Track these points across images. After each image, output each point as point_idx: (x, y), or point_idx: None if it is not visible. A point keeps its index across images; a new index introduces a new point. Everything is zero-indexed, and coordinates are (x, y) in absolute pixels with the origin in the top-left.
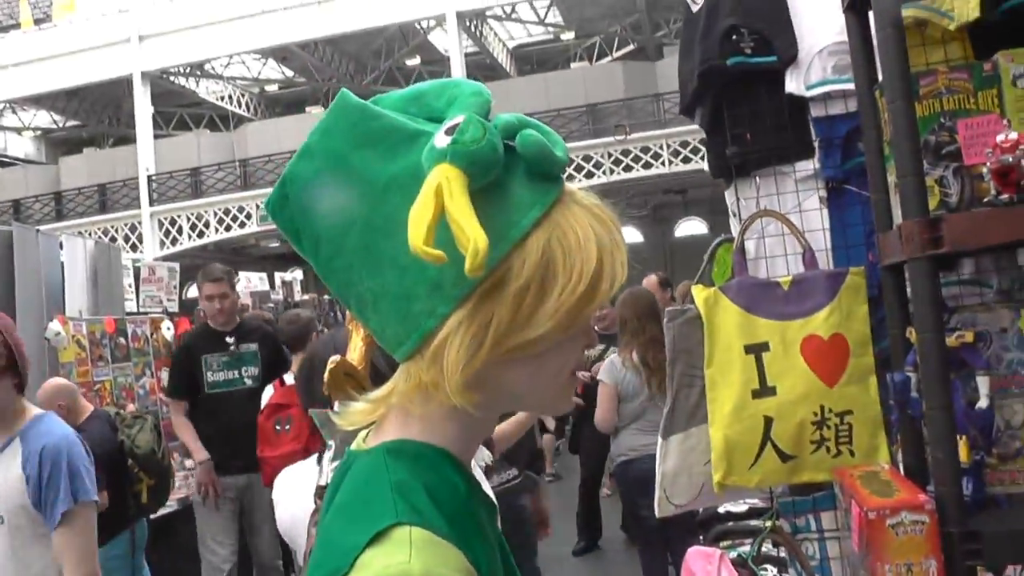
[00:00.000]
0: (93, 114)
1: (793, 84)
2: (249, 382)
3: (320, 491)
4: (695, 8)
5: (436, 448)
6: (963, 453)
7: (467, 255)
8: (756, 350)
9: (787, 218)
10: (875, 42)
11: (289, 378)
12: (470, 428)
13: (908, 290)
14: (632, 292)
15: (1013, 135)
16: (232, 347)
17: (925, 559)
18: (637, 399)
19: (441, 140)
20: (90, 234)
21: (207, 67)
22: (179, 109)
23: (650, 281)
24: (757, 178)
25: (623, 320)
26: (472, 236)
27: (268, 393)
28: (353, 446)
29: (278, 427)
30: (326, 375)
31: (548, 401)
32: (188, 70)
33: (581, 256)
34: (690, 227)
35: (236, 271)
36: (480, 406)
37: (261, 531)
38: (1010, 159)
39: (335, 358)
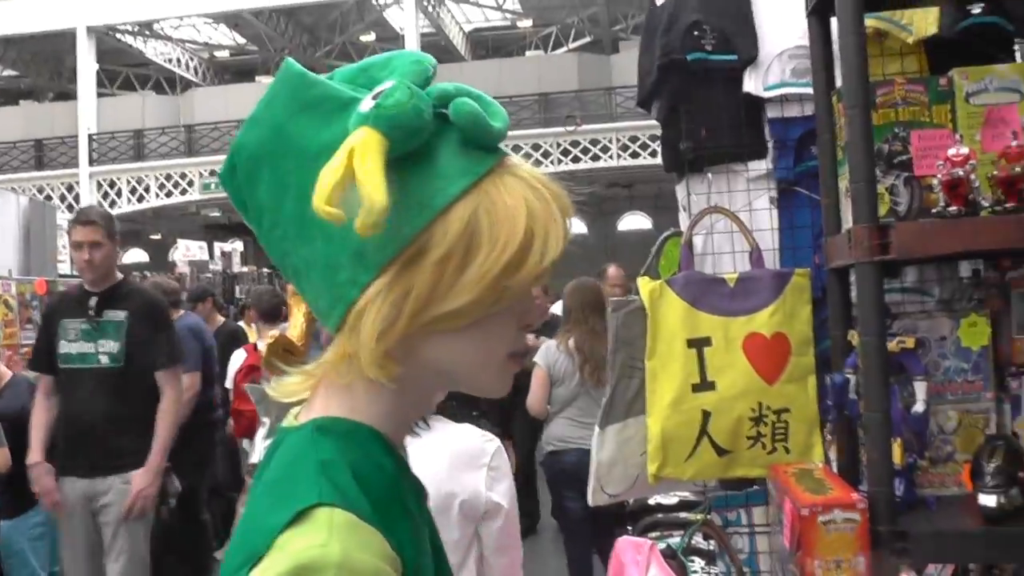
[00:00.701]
0: (33, 65)
1: (751, 84)
2: (104, 360)
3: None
4: (660, 0)
5: (366, 427)
6: (897, 455)
7: (361, 212)
8: (698, 344)
9: (737, 216)
10: (836, 48)
11: (262, 345)
12: (397, 405)
13: (852, 294)
14: (579, 283)
15: (964, 150)
16: (92, 312)
17: (855, 556)
18: (568, 384)
19: (366, 104)
20: (24, 191)
21: (156, 27)
22: (125, 68)
23: (615, 273)
24: (710, 175)
25: (567, 309)
26: (369, 194)
27: (240, 357)
28: (285, 423)
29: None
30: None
31: (480, 381)
32: (136, 28)
33: (508, 226)
34: (634, 221)
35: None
36: (401, 380)
37: (110, 553)
38: (960, 173)
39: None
